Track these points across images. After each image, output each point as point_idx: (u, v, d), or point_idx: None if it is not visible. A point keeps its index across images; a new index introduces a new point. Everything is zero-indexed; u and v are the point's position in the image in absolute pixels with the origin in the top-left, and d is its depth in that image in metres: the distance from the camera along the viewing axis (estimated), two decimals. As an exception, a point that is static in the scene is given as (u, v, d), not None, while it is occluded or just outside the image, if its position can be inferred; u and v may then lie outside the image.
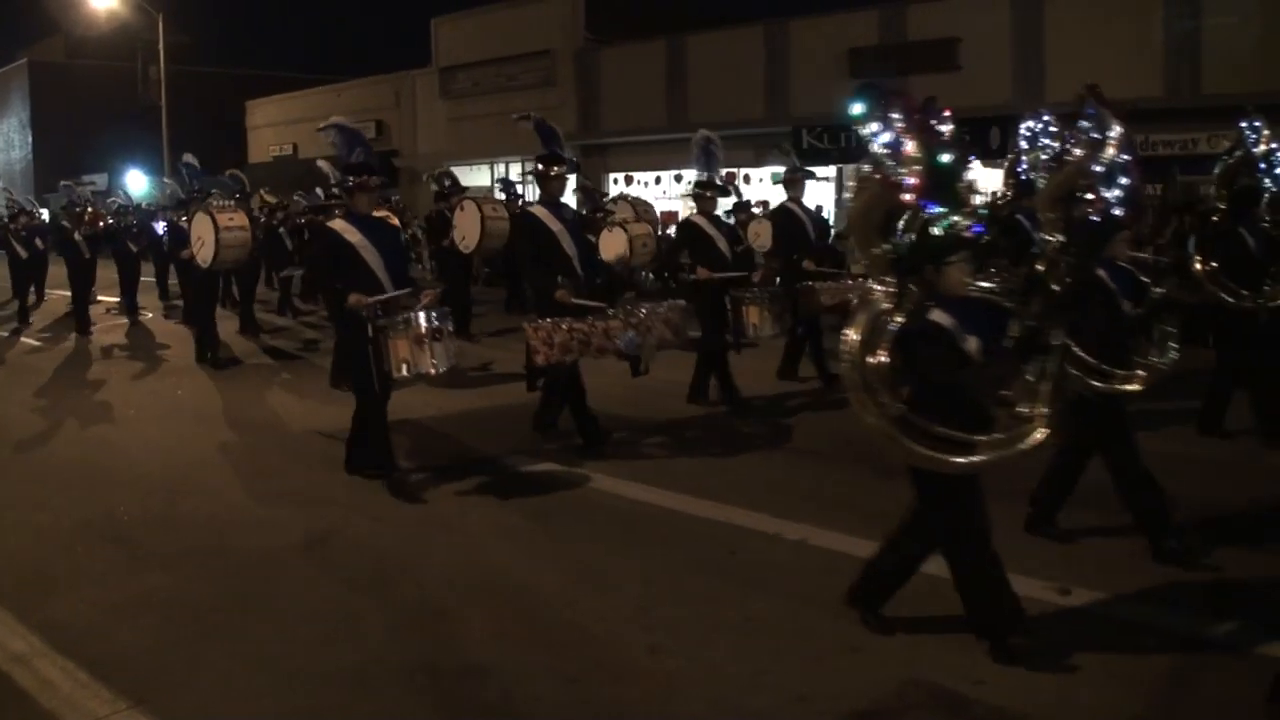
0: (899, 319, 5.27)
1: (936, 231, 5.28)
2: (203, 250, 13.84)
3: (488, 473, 9.24)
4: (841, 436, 10.15)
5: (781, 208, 13.48)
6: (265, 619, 6.17)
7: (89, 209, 20.90)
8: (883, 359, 5.22)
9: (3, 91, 63.08)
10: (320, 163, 15.20)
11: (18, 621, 6.17)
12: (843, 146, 25.83)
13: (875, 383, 5.22)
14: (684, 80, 29.58)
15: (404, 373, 8.35)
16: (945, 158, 5.49)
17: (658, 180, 29.92)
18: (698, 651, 5.61)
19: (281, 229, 21.06)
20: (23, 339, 18.78)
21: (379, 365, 8.32)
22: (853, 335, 5.31)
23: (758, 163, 27.94)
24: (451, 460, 9.68)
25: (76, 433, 11.18)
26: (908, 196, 5.32)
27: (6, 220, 22.72)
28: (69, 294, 20.22)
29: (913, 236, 5.33)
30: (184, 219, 16.19)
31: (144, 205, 26.61)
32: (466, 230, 15.91)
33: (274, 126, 45.59)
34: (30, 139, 59.68)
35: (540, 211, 9.79)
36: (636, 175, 30.99)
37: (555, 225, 9.61)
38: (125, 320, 20.87)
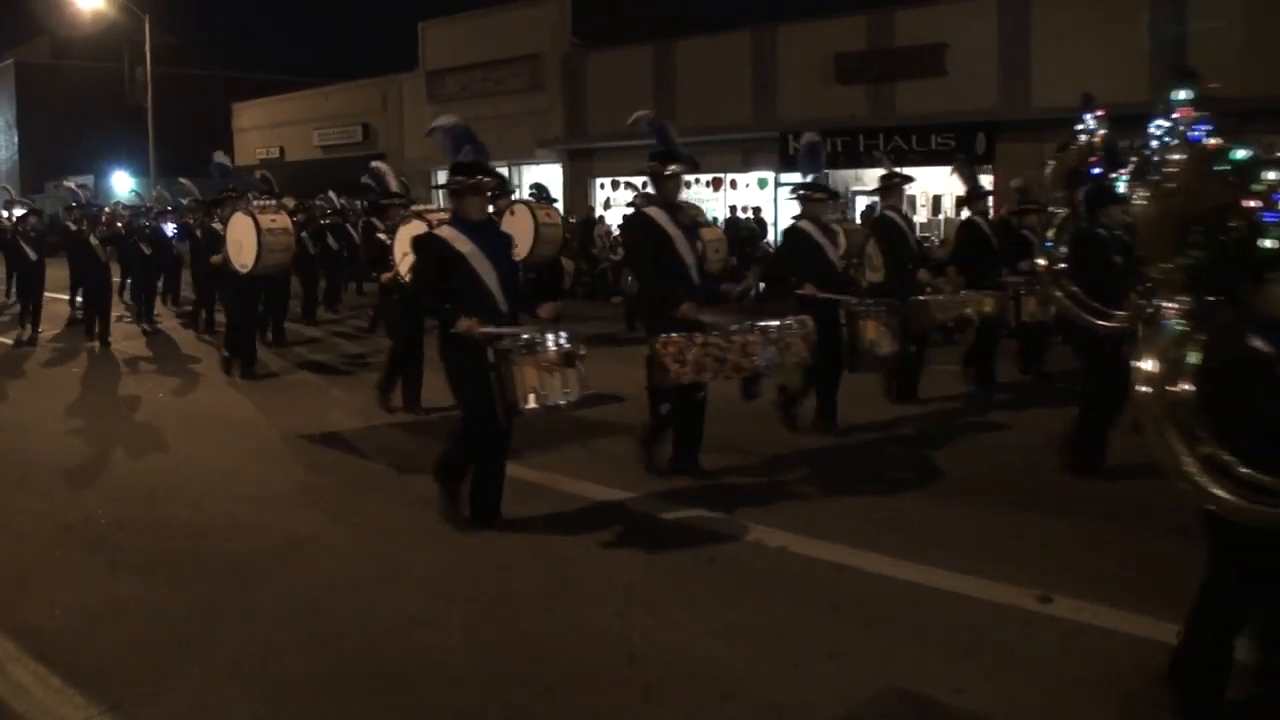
0: (1199, 345, 4.67)
1: (1269, 244, 4.60)
2: (241, 254, 13.04)
3: (466, 481, 9.17)
4: (827, 444, 10.18)
5: (883, 217, 12.36)
6: (241, 626, 6.13)
7: (105, 210, 20.09)
8: (1187, 390, 4.61)
9: (-11, 92, 62.96)
10: (375, 164, 14.06)
11: (-8, 626, 6.14)
12: (829, 152, 25.82)
13: (1183, 418, 4.59)
14: (672, 85, 29.59)
15: (532, 404, 7.29)
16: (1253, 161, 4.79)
17: (644, 185, 29.93)
18: (675, 659, 5.58)
19: (304, 233, 20.20)
20: (22, 345, 18.11)
21: (503, 396, 7.32)
22: (1149, 364, 4.73)
23: (745, 168, 27.97)
24: (430, 466, 9.62)
25: (58, 437, 11.12)
26: (1253, 204, 4.64)
27: (14, 221, 21.39)
28: (69, 298, 20.06)
29: (1221, 249, 4.74)
30: (214, 222, 15.12)
31: (149, 207, 26.11)
32: (518, 236, 15.04)
33: (261, 129, 45.58)
34: (16, 140, 59.56)
35: (656, 214, 8.90)
36: (624, 180, 30.98)
37: (672, 229, 8.76)
38: (143, 328, 19.83)
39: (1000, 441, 10.31)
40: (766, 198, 28.37)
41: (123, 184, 45.71)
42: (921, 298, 11.38)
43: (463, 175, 7.65)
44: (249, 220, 12.91)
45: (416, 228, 9.94)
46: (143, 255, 20.58)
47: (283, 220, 13.36)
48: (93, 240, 18.35)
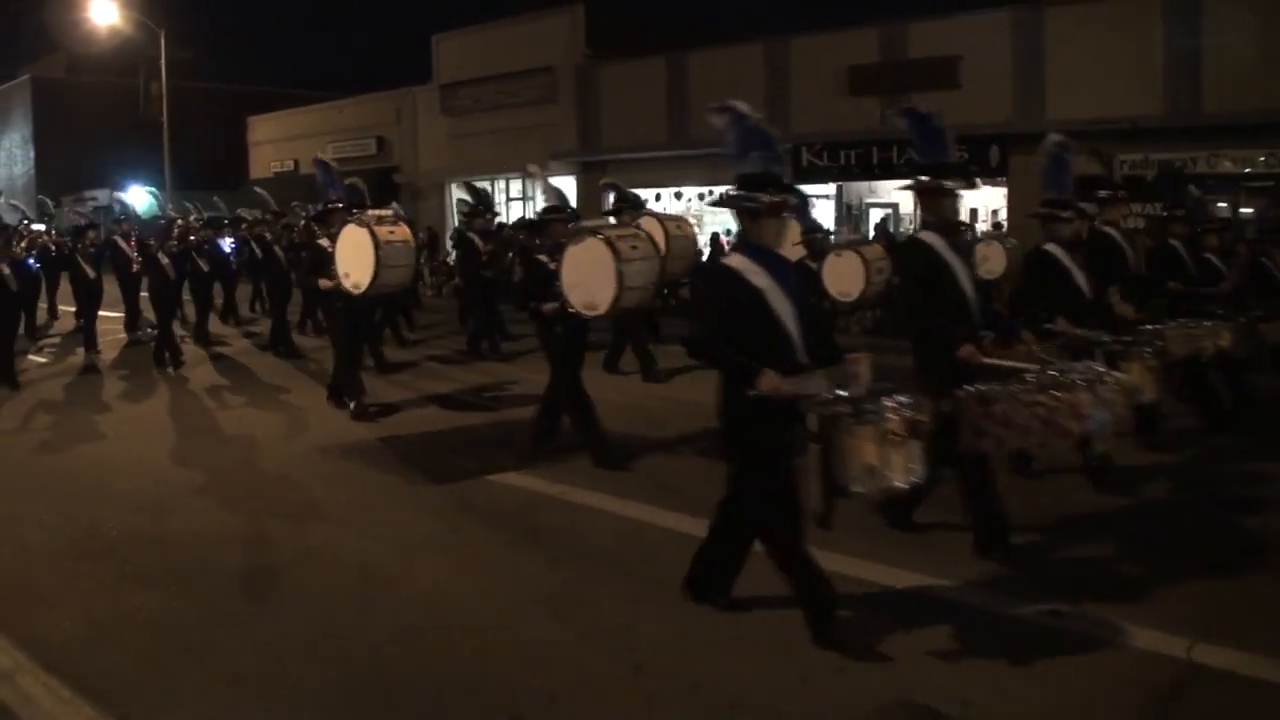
0: None
1: None
2: (355, 273, 11.39)
3: (480, 491, 9.20)
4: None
5: (1098, 234, 10.47)
6: (249, 637, 6.14)
7: (178, 223, 18.56)
8: None
9: (5, 108, 63.18)
10: (531, 167, 13.07)
11: (2, 636, 6.16)
12: (842, 165, 25.85)
13: None
14: (685, 97, 29.58)
15: (863, 486, 5.69)
16: None
17: (657, 198, 29.86)
18: (682, 670, 5.57)
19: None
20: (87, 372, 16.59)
21: (827, 474, 5.77)
22: None
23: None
24: (443, 478, 9.65)
25: (70, 450, 11.14)
26: None
27: (71, 237, 20.09)
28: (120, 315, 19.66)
29: None
30: (319, 238, 12.91)
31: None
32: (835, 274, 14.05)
33: (275, 143, 45.68)
34: (32, 155, 59.71)
35: (933, 240, 7.38)
36: (637, 192, 30.97)
37: (951, 257, 7.34)
38: (202, 350, 18.70)
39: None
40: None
41: (138, 198, 45.85)
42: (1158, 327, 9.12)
43: (764, 191, 5.97)
44: (364, 233, 11.26)
45: (595, 247, 9.38)
46: (200, 272, 19.09)
47: (402, 232, 11.73)
48: (162, 257, 17.05)
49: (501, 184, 35.11)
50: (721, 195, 6.25)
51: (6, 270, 14.80)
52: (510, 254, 19.66)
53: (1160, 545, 7.48)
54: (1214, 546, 7.46)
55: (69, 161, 53.42)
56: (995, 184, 24.38)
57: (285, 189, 36.02)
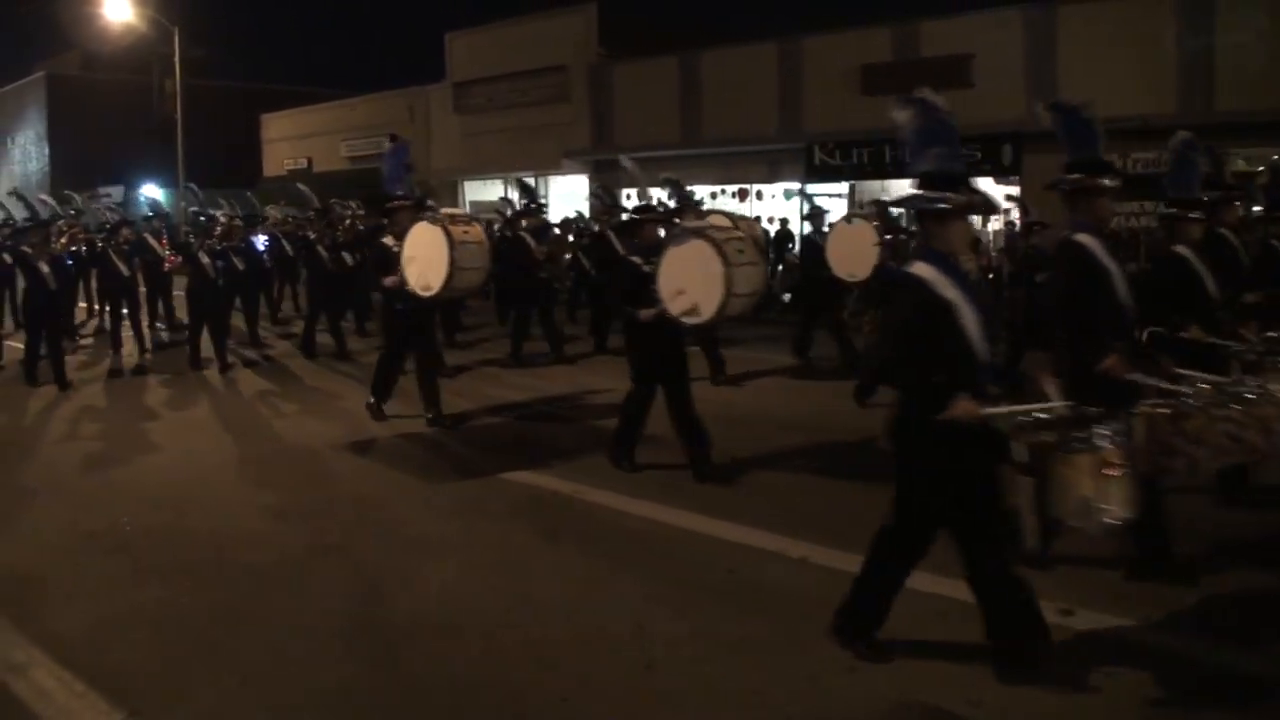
0: None
1: None
2: (426, 274, 10.78)
3: (493, 490, 9.22)
4: (851, 454, 10.16)
5: (1216, 236, 9.15)
6: (261, 634, 6.17)
7: (221, 220, 17.59)
8: None
9: (20, 105, 63.40)
10: (624, 160, 12.29)
11: (17, 631, 6.21)
12: (855, 163, 25.83)
13: None
14: (698, 96, 29.61)
15: (1080, 521, 5.24)
16: None
17: (670, 196, 29.93)
18: (693, 669, 5.59)
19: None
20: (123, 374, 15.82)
21: (1039, 509, 5.39)
22: None
23: (771, 178, 27.96)
24: (458, 476, 9.68)
25: (85, 447, 11.19)
26: None
27: (104, 234, 19.11)
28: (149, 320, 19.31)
29: None
30: (384, 237, 11.86)
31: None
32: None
33: (289, 140, 45.77)
34: (47, 152, 59.92)
35: (1089, 242, 6.80)
36: (653, 191, 30.97)
37: (1109, 262, 6.75)
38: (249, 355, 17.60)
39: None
40: (792, 209, 28.35)
41: (152, 195, 45.98)
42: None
43: (951, 188, 5.46)
44: (438, 233, 10.63)
45: (700, 249, 8.91)
46: (237, 272, 17.20)
47: (475, 232, 11.14)
48: (203, 257, 15.97)
49: (514, 182, 35.15)
50: (901, 196, 5.74)
51: (45, 269, 14.52)
52: (568, 255, 19.45)
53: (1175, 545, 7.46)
54: (1232, 547, 7.43)
55: (83, 158, 53.54)
56: (1008, 183, 24.34)
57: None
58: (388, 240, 11.58)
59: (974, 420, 5.12)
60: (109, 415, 12.76)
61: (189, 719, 5.23)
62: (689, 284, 8.92)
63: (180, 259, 17.47)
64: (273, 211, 24.33)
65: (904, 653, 5.72)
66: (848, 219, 14.64)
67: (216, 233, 16.74)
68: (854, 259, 14.03)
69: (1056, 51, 23.11)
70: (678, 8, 35.03)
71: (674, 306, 8.99)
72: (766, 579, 6.96)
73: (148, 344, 17.54)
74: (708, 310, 8.87)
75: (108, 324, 18.84)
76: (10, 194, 15.98)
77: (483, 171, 35.89)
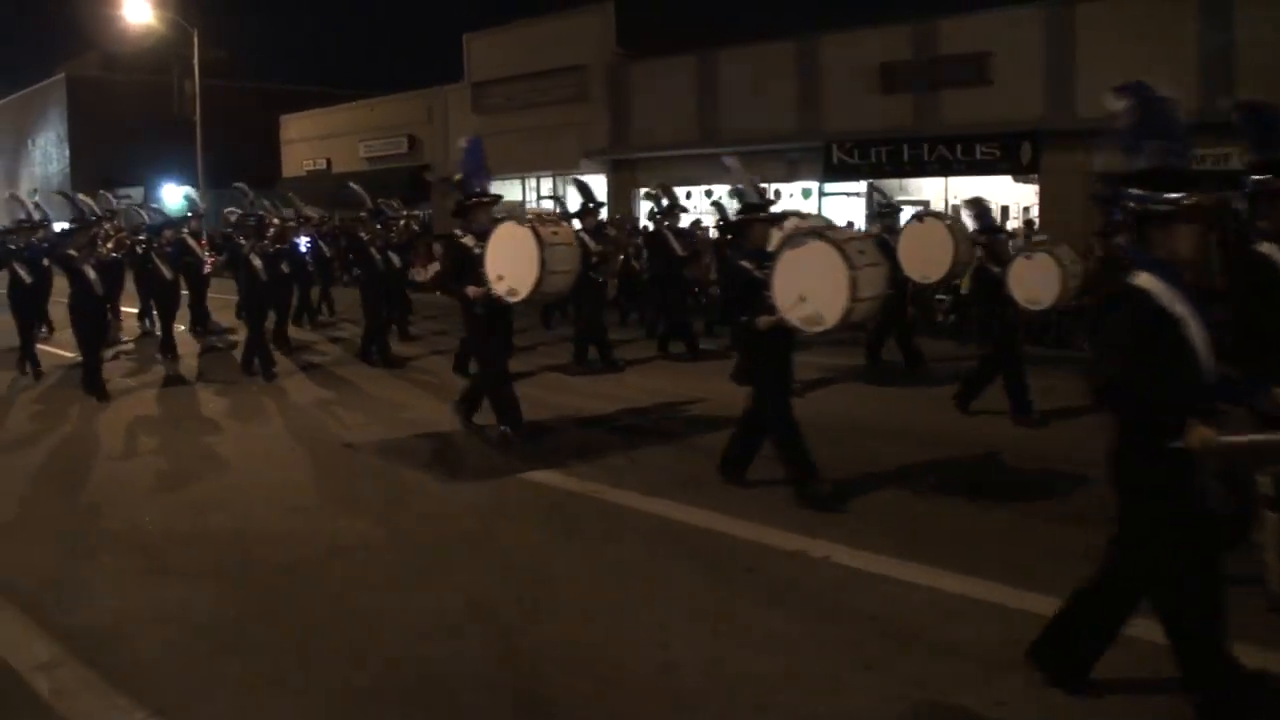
0: None
1: None
2: (513, 277, 10.14)
3: (514, 490, 9.23)
4: (872, 454, 10.14)
5: None
6: (283, 633, 6.19)
7: (274, 220, 16.78)
8: None
9: (41, 106, 63.72)
10: (727, 159, 10.98)
11: (40, 629, 6.25)
12: (873, 162, 25.77)
13: None
14: (715, 95, 29.58)
15: None
16: None
17: (688, 195, 29.93)
18: (711, 669, 5.58)
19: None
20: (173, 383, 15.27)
21: None
22: None
23: (789, 178, 27.92)
24: (478, 476, 9.69)
25: (109, 447, 11.23)
26: None
27: (147, 235, 18.70)
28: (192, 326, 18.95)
29: None
30: (463, 238, 10.95)
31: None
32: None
33: (308, 141, 45.89)
34: (67, 153, 60.22)
35: (1274, 252, 6.33)
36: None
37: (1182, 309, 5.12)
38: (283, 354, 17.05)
39: (1048, 454, 10.21)
40: (810, 208, 28.33)
41: (173, 196, 46.13)
42: None
43: (1168, 188, 4.78)
44: (526, 233, 10.08)
45: (820, 252, 8.20)
46: (281, 275, 16.37)
47: (565, 233, 10.66)
48: (255, 259, 15.29)
49: (532, 182, 35.16)
50: (1112, 195, 4.96)
51: (93, 275, 13.73)
52: (622, 256, 19.30)
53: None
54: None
55: (103, 159, 53.80)
56: (1027, 181, 24.28)
57: (317, 187, 36.22)
58: (466, 241, 10.77)
59: (1213, 449, 4.56)
60: (142, 418, 12.81)
61: (212, 718, 5.24)
62: (810, 289, 8.20)
63: (217, 260, 17.45)
64: (310, 212, 24.05)
65: (926, 652, 5.72)
66: (919, 218, 14.01)
67: (269, 234, 15.90)
68: (927, 260, 13.43)
69: (1076, 49, 23.00)
70: (695, 7, 34.85)
71: (794, 314, 8.28)
72: (787, 578, 6.95)
73: (176, 347, 17.23)
74: (831, 316, 8.16)
75: (148, 327, 18.91)
76: (57, 194, 15.35)
77: (501, 171, 35.78)
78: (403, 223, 19.35)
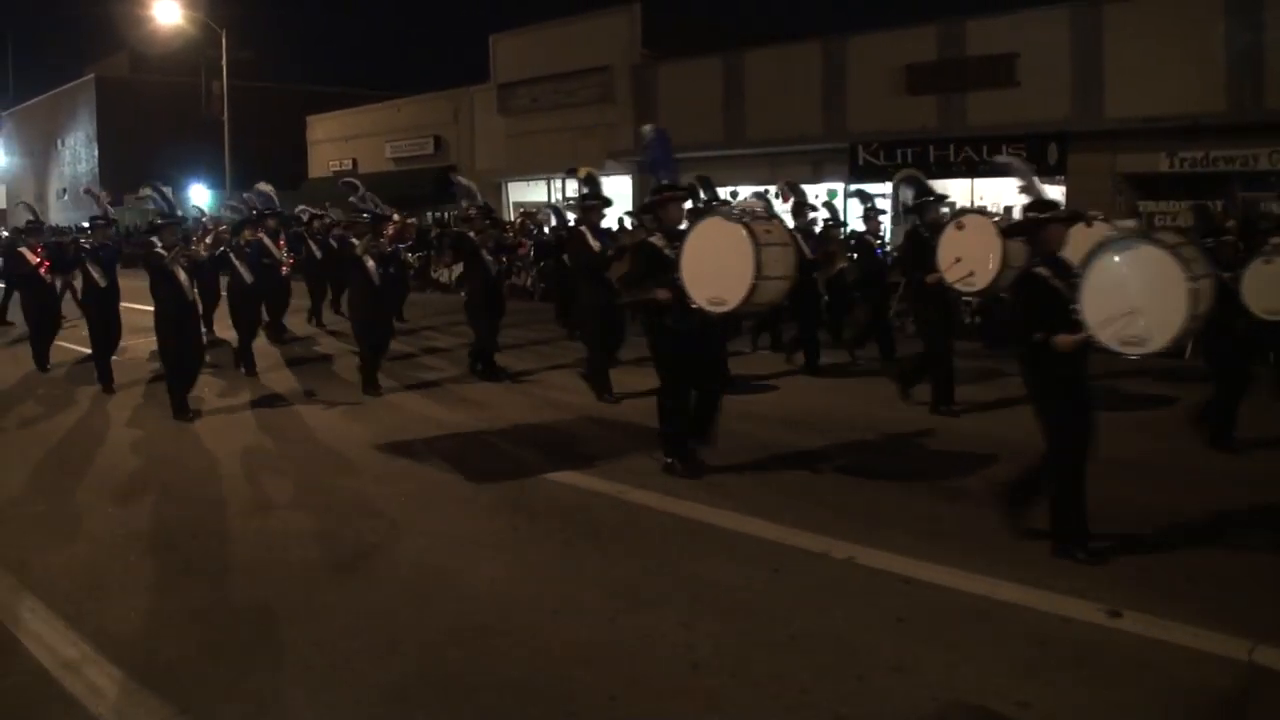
0: None
1: None
2: (719, 285, 8.79)
3: (537, 490, 9.24)
4: (897, 455, 10.13)
5: None
6: (309, 633, 6.21)
7: (394, 219, 15.49)
8: None
9: (70, 106, 64.20)
10: (903, 175, 11.32)
11: (69, 628, 6.27)
12: (899, 163, 25.70)
13: None
14: (741, 96, 29.57)
15: None
16: None
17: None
18: (740, 669, 5.58)
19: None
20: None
21: None
22: None
23: (815, 178, 27.88)
24: (502, 477, 9.70)
25: (134, 447, 11.29)
26: None
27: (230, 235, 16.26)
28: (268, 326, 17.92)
29: None
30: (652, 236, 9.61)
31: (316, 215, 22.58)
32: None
33: (334, 141, 46.08)
34: (96, 153, 60.65)
35: None
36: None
37: None
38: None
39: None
40: (835, 208, 28.27)
41: (200, 196, 46.41)
42: None
43: None
44: (739, 232, 8.69)
45: (1157, 260, 7.07)
46: (390, 277, 14.68)
47: (779, 231, 9.34)
48: (369, 263, 13.82)
49: (557, 183, 35.19)
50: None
51: (183, 277, 12.24)
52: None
53: (1224, 546, 7.39)
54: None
55: (131, 159, 54.12)
56: (1053, 182, 24.18)
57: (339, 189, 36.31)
58: (655, 240, 9.46)
59: None
60: (156, 417, 12.86)
61: (240, 716, 5.26)
62: (1142, 303, 7.08)
63: (295, 260, 16.67)
64: (335, 213, 23.78)
65: (950, 653, 5.71)
66: (958, 224, 11.94)
67: (389, 233, 14.69)
68: (975, 264, 11.47)
69: (1103, 50, 22.92)
70: (721, 7, 34.94)
71: (1110, 333, 7.15)
72: (811, 580, 6.94)
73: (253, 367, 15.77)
74: (1161, 337, 7.07)
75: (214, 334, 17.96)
76: (145, 187, 13.74)
77: (527, 173, 36.01)
78: (519, 221, 18.98)
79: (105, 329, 14.54)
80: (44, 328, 16.61)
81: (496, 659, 5.81)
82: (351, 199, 15.58)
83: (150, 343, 14.82)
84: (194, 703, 5.31)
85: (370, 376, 13.81)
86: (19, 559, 7.54)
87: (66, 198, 63.62)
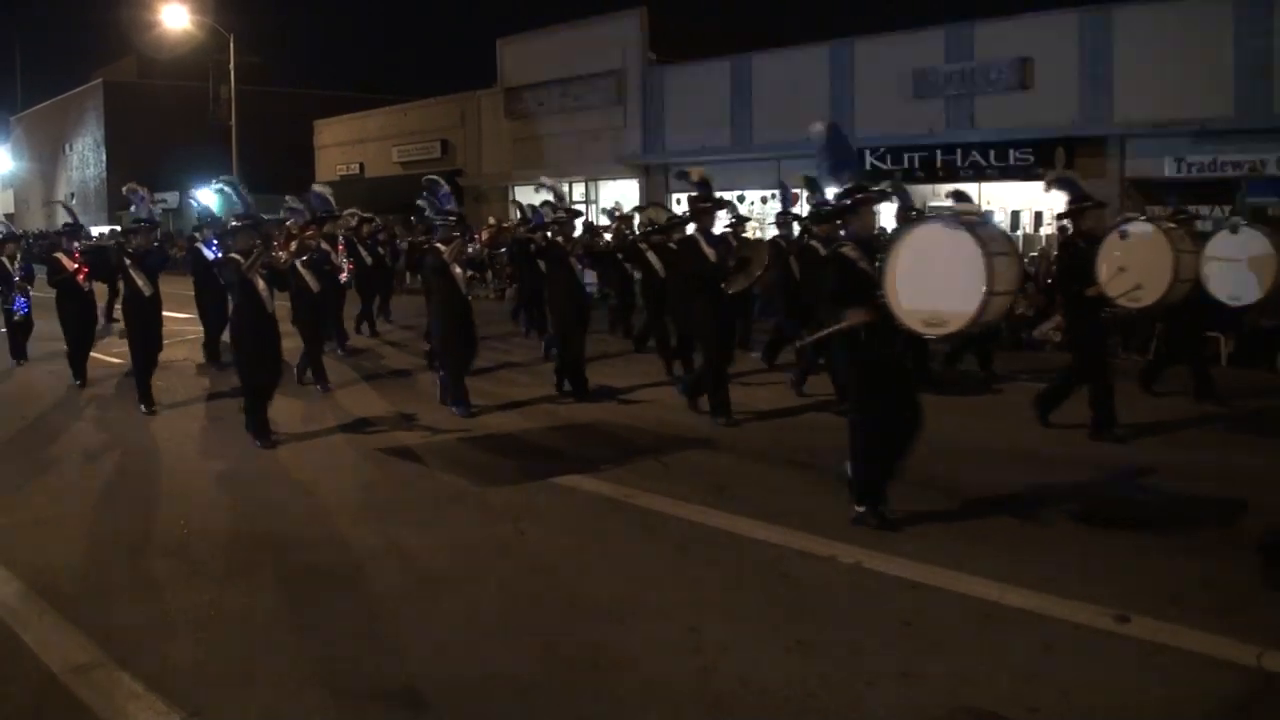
0: None
1: None
2: (932, 302, 7.53)
3: (546, 493, 9.24)
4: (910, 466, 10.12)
5: None
6: (317, 635, 6.21)
7: (492, 221, 14.85)
8: None
9: (78, 111, 64.38)
10: (1056, 173, 10.84)
11: (78, 631, 6.28)
12: (906, 168, 25.70)
13: None
14: (748, 100, 29.56)
15: None
16: None
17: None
18: (747, 674, 5.57)
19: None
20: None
21: None
22: None
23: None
24: (511, 480, 9.70)
25: (141, 449, 11.31)
26: None
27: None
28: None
29: None
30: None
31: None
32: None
33: (341, 146, 46.11)
34: (104, 157, 60.79)
35: None
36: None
37: None
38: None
39: (1077, 458, 10.16)
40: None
41: (207, 200, 46.37)
42: None
43: None
44: (966, 240, 7.40)
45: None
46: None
47: (1002, 237, 8.38)
48: (455, 269, 12.51)
49: (565, 187, 35.25)
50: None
51: (262, 286, 11.02)
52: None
53: (1233, 551, 7.37)
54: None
55: (139, 164, 54.18)
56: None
57: (349, 190, 36.31)
58: (849, 252, 8.12)
59: None
60: (163, 419, 12.88)
61: (247, 719, 5.27)
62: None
63: (353, 265, 15.56)
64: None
65: (958, 657, 5.70)
66: (1121, 233, 10.77)
67: (483, 238, 13.96)
68: (1143, 277, 10.45)
69: (1113, 54, 22.88)
70: (729, 11, 34.95)
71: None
72: (820, 584, 6.93)
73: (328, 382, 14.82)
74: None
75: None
76: (217, 182, 11.89)
77: (534, 177, 35.96)
78: (616, 222, 18.71)
79: (147, 342, 13.43)
80: (83, 339, 15.45)
81: (504, 662, 5.80)
82: (420, 200, 14.65)
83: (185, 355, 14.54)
84: (201, 706, 5.30)
85: (459, 392, 12.58)
86: (28, 562, 7.55)
87: (75, 202, 63.81)
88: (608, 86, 33.26)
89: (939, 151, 25.18)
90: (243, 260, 10.81)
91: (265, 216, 13.64)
